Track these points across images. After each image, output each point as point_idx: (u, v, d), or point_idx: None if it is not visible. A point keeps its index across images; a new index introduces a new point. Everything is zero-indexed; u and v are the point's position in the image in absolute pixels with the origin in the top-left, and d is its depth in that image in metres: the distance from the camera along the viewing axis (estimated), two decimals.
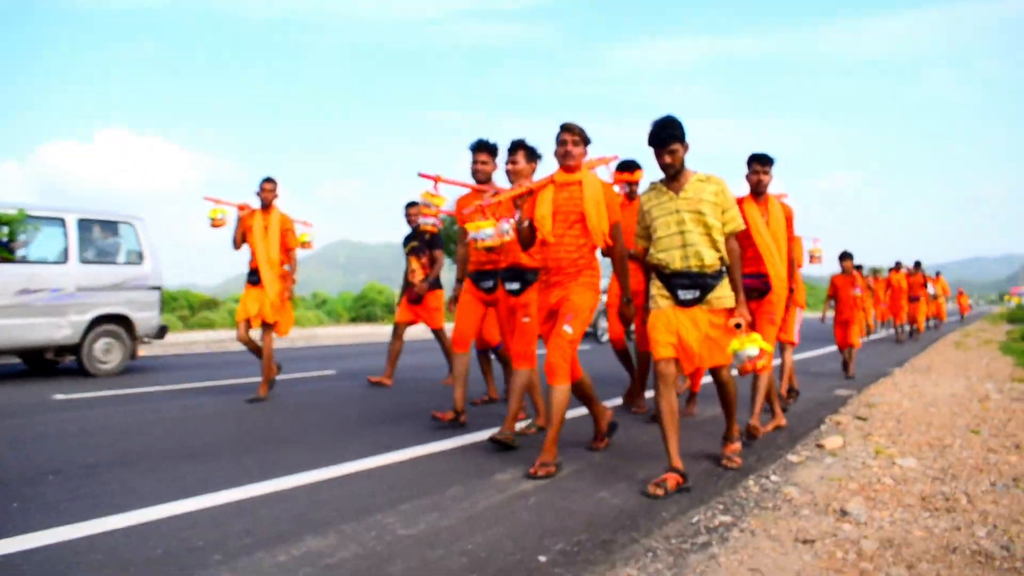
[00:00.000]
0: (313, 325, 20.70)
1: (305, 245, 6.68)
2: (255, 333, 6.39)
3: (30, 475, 3.58)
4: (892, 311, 16.08)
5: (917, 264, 16.91)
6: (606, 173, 5.30)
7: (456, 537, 2.70)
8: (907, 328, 17.02)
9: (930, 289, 17.51)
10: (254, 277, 6.20)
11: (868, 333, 14.86)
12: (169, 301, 25.52)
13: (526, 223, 4.04)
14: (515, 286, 4.69)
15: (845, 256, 9.27)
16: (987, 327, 23.21)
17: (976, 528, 2.81)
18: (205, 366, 9.52)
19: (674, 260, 3.65)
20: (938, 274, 18.22)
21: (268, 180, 6.28)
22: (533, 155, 4.66)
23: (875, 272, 17.29)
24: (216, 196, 5.76)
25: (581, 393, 4.20)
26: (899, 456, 4.08)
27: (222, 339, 14.45)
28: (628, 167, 5.44)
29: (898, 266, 16.45)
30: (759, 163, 4.86)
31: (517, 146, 4.65)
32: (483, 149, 5.08)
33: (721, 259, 3.69)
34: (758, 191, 4.90)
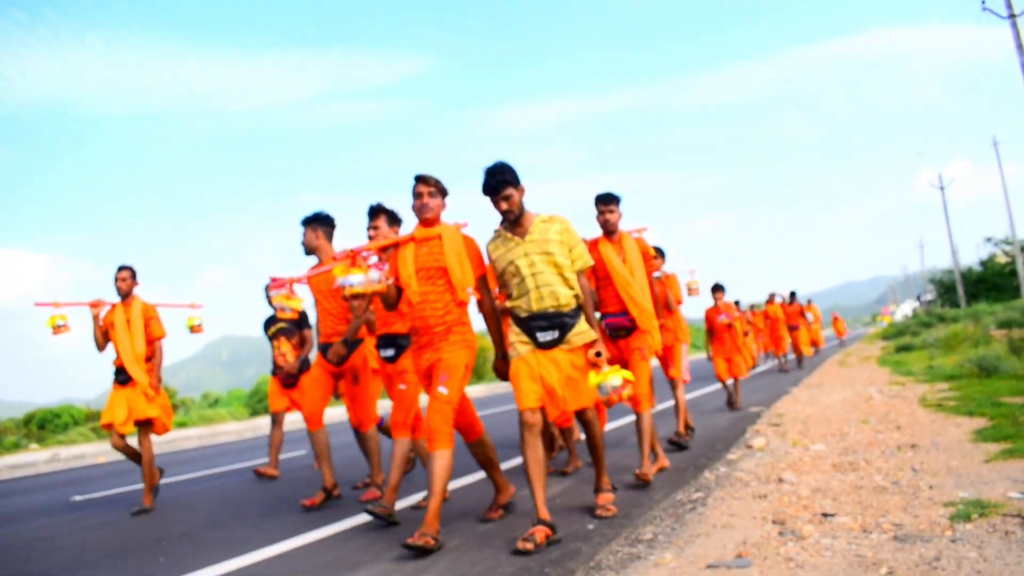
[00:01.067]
0: (218, 422, 20.30)
1: (195, 329, 6.30)
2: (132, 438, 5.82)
3: None
4: (773, 342, 16.43)
5: (792, 294, 17.33)
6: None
7: None
8: (788, 358, 17.43)
9: (808, 316, 17.85)
10: (121, 376, 5.72)
11: (752, 366, 15.54)
12: (52, 419, 24.67)
13: (390, 280, 3.89)
14: (389, 353, 4.57)
15: (716, 288, 9.20)
16: (864, 346, 25.76)
17: (874, 476, 3.93)
18: (81, 480, 8.69)
19: (530, 303, 3.65)
20: (809, 302, 18.67)
21: (123, 268, 5.85)
22: (394, 219, 4.64)
23: (752, 307, 17.64)
24: (53, 299, 5.57)
25: (482, 457, 4.01)
26: (811, 444, 5.23)
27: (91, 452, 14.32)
28: (604, 200, 4.96)
29: (771, 298, 16.86)
30: (603, 203, 4.84)
31: (377, 211, 4.63)
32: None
33: (576, 297, 3.71)
34: (608, 230, 4.87)
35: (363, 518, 4.31)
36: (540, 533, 3.32)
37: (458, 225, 4.47)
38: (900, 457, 4.39)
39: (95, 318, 5.76)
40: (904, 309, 66.18)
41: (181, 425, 19.42)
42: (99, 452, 13.63)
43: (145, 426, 5.71)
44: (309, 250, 5.05)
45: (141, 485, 6.47)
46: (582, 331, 3.67)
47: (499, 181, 3.61)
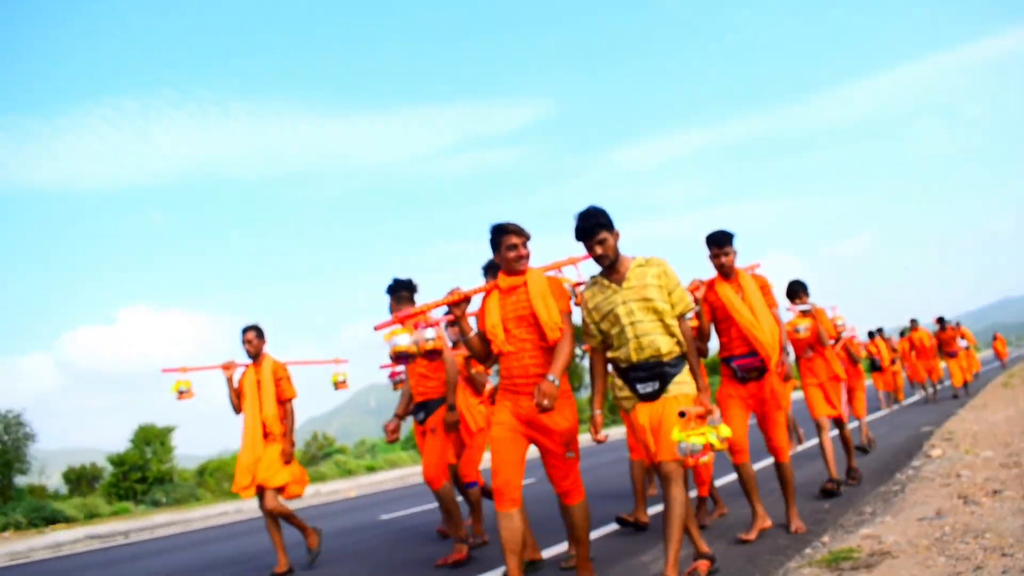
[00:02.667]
0: (392, 467, 22.43)
1: (340, 385, 6.29)
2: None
3: None
4: (919, 371, 15.58)
5: (940, 320, 16.32)
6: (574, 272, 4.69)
7: None
8: (938, 388, 16.27)
9: (962, 343, 16.28)
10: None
11: (899, 400, 15.66)
12: (221, 467, 27.72)
13: (472, 333, 3.90)
14: (420, 416, 5.19)
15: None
16: None
17: None
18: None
19: (630, 354, 3.61)
20: (958, 325, 16.95)
21: (249, 329, 5.74)
22: (412, 291, 5.19)
23: (903, 333, 16.58)
24: (180, 365, 5.66)
25: (510, 533, 3.62)
26: (980, 451, 6.55)
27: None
28: (717, 242, 4.74)
29: (914, 324, 16.10)
30: (716, 245, 4.70)
31: (397, 287, 5.20)
32: (398, 289, 5.21)
33: (679, 344, 3.64)
34: (725, 273, 4.76)
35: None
36: (703, 566, 3.75)
37: (574, 259, 4.55)
38: None
39: (229, 380, 5.72)
40: None
41: (371, 469, 21.90)
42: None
43: (275, 492, 5.53)
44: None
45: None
46: (683, 381, 3.62)
47: (593, 224, 3.58)
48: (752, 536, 4.54)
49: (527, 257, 3.84)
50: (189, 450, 41.66)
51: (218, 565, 6.87)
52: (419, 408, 5.18)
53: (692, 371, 3.68)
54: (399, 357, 4.04)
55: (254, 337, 5.71)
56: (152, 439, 41.46)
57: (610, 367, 3.85)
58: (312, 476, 23.82)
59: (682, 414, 3.40)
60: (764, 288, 4.85)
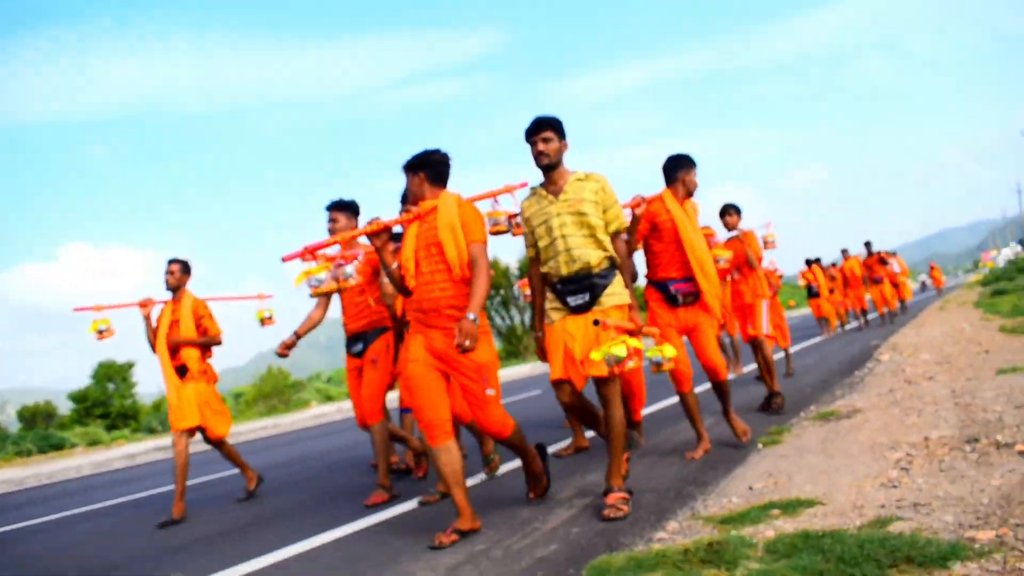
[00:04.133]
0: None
1: (266, 321, 6.07)
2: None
3: None
4: (851, 300, 16.01)
5: (867, 244, 16.30)
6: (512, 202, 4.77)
7: None
8: (869, 316, 16.91)
9: (894, 266, 16.53)
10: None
11: (842, 325, 16.43)
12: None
13: (394, 266, 3.77)
14: (357, 348, 4.95)
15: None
16: (963, 294, 27.95)
17: (960, 364, 7.09)
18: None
19: (560, 266, 3.64)
20: (893, 254, 16.96)
21: (172, 262, 5.62)
22: (354, 211, 4.92)
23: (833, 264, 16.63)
24: (94, 303, 5.57)
25: (448, 465, 3.62)
26: (920, 355, 8.36)
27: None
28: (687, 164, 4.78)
29: (844, 253, 16.19)
30: (686, 167, 4.72)
31: (333, 206, 4.90)
32: (336, 208, 4.96)
33: (610, 258, 3.67)
34: (689, 193, 4.76)
35: (379, 516, 4.39)
36: (619, 498, 3.56)
37: (511, 188, 4.65)
38: (978, 356, 7.52)
39: (147, 319, 5.59)
40: (1007, 254, 66.31)
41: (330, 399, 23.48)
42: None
43: (189, 433, 5.51)
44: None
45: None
46: (615, 292, 3.65)
47: (542, 121, 3.62)
48: (698, 455, 4.60)
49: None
50: (144, 388, 42.23)
51: (291, 462, 8.37)
52: (354, 340, 5.00)
53: (625, 285, 3.74)
54: (320, 296, 3.92)
55: (178, 269, 5.62)
56: (114, 375, 42.16)
57: None
58: (296, 404, 25.30)
59: (596, 322, 3.50)
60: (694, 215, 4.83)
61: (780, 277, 8.92)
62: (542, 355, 3.89)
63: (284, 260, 4.09)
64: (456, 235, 3.63)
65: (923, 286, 42.60)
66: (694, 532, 3.00)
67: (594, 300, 3.62)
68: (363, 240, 4.89)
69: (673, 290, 4.66)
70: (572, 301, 3.65)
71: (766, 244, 7.43)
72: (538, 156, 3.66)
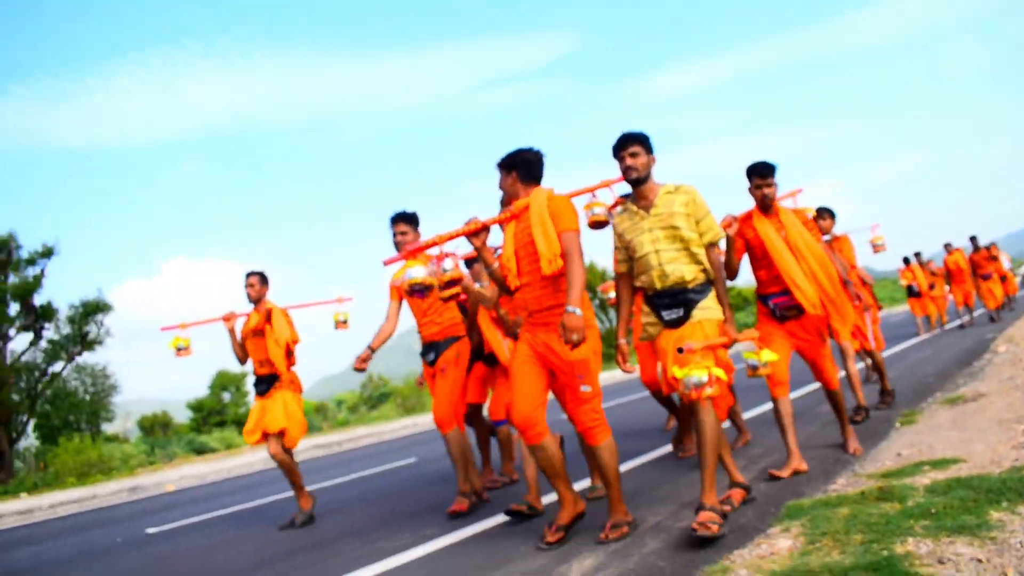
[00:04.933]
0: None
1: (341, 325, 6.08)
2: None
3: None
4: (958, 296, 15.38)
5: (973, 239, 15.69)
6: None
7: None
8: (975, 313, 16.30)
9: (1005, 263, 16.12)
10: (260, 387, 5.73)
11: (943, 324, 15.66)
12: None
13: (495, 265, 3.91)
14: (430, 357, 5.09)
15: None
16: None
17: None
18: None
19: (654, 281, 3.68)
20: (993, 245, 16.22)
21: (252, 274, 5.78)
22: (417, 223, 5.05)
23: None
24: (181, 321, 5.73)
25: (546, 462, 3.72)
26: None
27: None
28: (759, 172, 4.59)
29: (948, 247, 15.52)
30: (758, 176, 4.56)
31: (399, 218, 5.03)
32: (400, 220, 5.06)
33: (705, 271, 3.69)
34: (765, 205, 4.60)
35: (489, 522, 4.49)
36: (737, 495, 3.83)
37: (606, 183, 4.63)
38: None
39: (231, 333, 5.76)
40: None
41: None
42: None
43: (278, 437, 5.59)
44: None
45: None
46: (709, 307, 3.67)
47: (627, 137, 3.66)
48: (785, 474, 4.39)
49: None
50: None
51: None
52: (428, 348, 5.13)
53: (719, 299, 3.74)
54: (415, 291, 3.83)
55: (257, 282, 5.74)
56: (228, 384, 44.87)
57: None
58: (412, 409, 26.62)
59: (680, 350, 3.47)
60: (807, 223, 4.75)
61: (870, 285, 8.49)
62: (622, 363, 3.84)
63: (386, 264, 4.18)
64: (546, 227, 3.64)
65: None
66: (860, 484, 3.85)
67: (688, 314, 3.65)
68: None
69: (772, 304, 4.66)
70: (666, 315, 3.70)
71: (875, 248, 7.28)
72: (626, 171, 3.70)
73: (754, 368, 4.08)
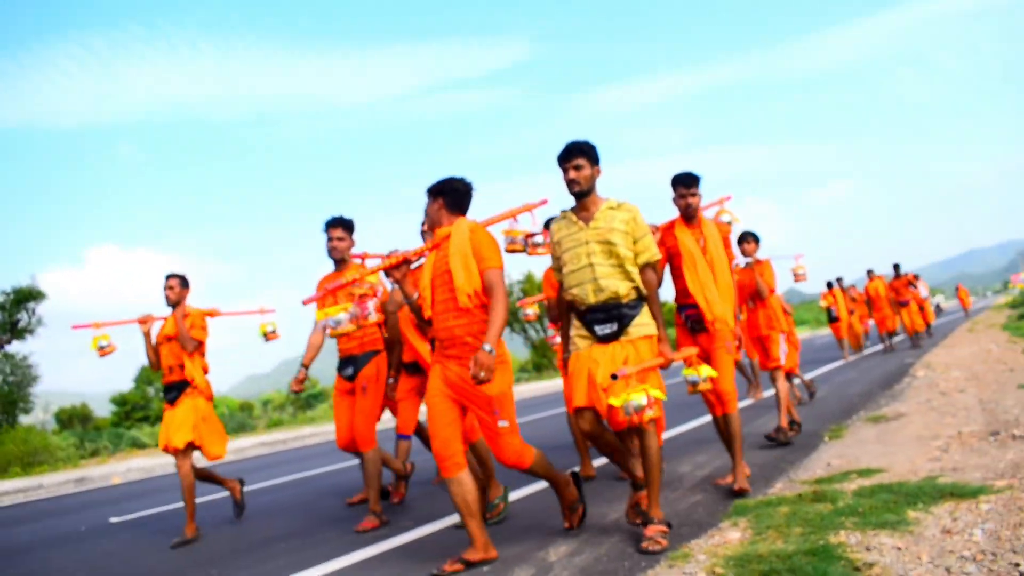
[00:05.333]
0: None
1: (269, 336, 5.89)
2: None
3: None
4: (877, 322, 16.07)
5: (896, 267, 16.39)
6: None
7: None
8: (894, 339, 16.94)
9: (922, 291, 16.89)
10: (169, 394, 5.51)
11: (859, 348, 16.36)
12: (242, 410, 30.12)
13: (415, 296, 3.92)
14: (348, 372, 5.00)
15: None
16: (992, 315, 29.01)
17: (987, 380, 8.39)
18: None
19: (587, 295, 3.65)
20: (917, 276, 16.94)
21: (171, 276, 5.56)
22: (352, 228, 5.03)
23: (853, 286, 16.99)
24: (96, 321, 5.61)
25: (460, 496, 3.67)
26: (951, 372, 9.65)
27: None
28: (684, 182, 4.63)
29: (870, 273, 16.27)
30: (683, 185, 4.58)
31: (334, 223, 5.00)
32: (337, 225, 5.03)
33: (637, 288, 3.69)
34: (688, 215, 4.63)
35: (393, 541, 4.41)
36: (643, 498, 3.83)
37: (528, 207, 4.36)
38: (1003, 374, 8.81)
39: (146, 336, 5.60)
40: None
41: None
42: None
43: (187, 450, 5.37)
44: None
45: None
46: (643, 323, 3.68)
47: (574, 147, 3.64)
48: (731, 481, 4.61)
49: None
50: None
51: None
52: (345, 363, 5.03)
53: (654, 316, 3.75)
54: (339, 336, 3.91)
55: (177, 284, 5.55)
56: (154, 378, 43.94)
57: None
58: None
59: (614, 376, 3.45)
60: (726, 240, 4.78)
61: (789, 314, 7.94)
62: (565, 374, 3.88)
63: (304, 304, 4.26)
64: (467, 261, 3.64)
65: (938, 309, 41.63)
66: (796, 489, 4.35)
67: (622, 330, 3.65)
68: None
69: (684, 316, 4.70)
70: (600, 330, 3.68)
71: (796, 277, 7.44)
72: (570, 184, 3.69)
73: (694, 384, 4.04)
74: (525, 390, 21.99)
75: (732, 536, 3.50)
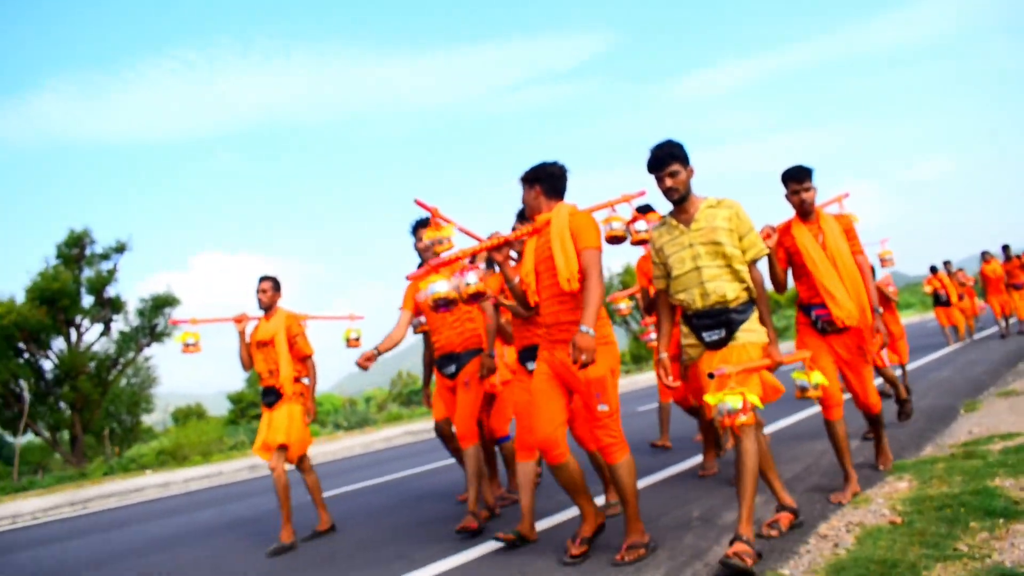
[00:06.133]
0: None
1: (352, 343, 6.04)
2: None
3: None
4: (994, 306, 15.45)
5: (1005, 248, 15.69)
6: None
7: None
8: (1011, 321, 16.00)
9: None
10: (268, 397, 5.55)
11: (972, 334, 15.75)
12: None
13: (516, 280, 3.97)
14: (451, 370, 4.98)
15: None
16: None
17: None
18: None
19: (694, 300, 3.59)
20: (1020, 255, 15.94)
21: (264, 279, 5.61)
22: (279, 285, 5.01)
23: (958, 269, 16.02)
24: (193, 316, 5.63)
25: (568, 481, 3.84)
26: None
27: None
28: (795, 177, 4.59)
29: (985, 255, 15.66)
30: (794, 181, 4.41)
31: (421, 223, 5.02)
32: (426, 225, 5.04)
33: (747, 290, 3.59)
34: (803, 211, 4.46)
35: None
36: (784, 519, 3.78)
37: (627, 197, 4.68)
38: None
39: (241, 335, 5.64)
40: None
41: None
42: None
43: (281, 451, 5.42)
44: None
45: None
46: (752, 329, 3.58)
47: (665, 155, 3.55)
48: (846, 499, 4.22)
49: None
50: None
51: None
52: (447, 360, 5.08)
53: (762, 319, 3.63)
54: (439, 305, 3.87)
55: (269, 287, 5.60)
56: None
57: None
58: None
59: (711, 376, 3.36)
60: (849, 232, 4.54)
61: (895, 292, 8.35)
62: (664, 377, 3.78)
63: (409, 279, 4.32)
64: (566, 245, 3.68)
65: None
66: (946, 451, 5.11)
67: (730, 335, 3.56)
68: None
69: (814, 316, 4.49)
70: (707, 336, 3.60)
71: (883, 262, 7.29)
72: (668, 192, 3.62)
73: (803, 390, 3.88)
74: (622, 383, 22.17)
75: (900, 486, 4.31)
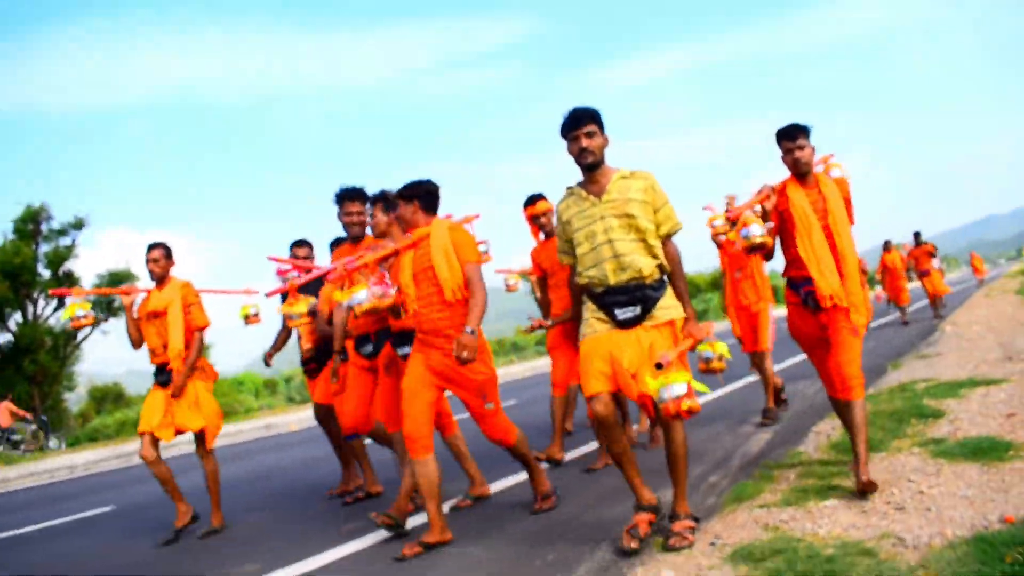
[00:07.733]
0: None
1: (251, 319, 5.70)
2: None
3: None
4: (892, 293, 15.92)
5: (916, 235, 16.31)
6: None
7: None
8: (909, 309, 16.58)
9: (935, 263, 16.26)
10: (161, 376, 5.25)
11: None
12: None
13: (394, 289, 4.08)
14: (407, 350, 4.47)
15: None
16: (1006, 282, 31.24)
17: (1005, 329, 11.10)
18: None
19: (607, 275, 3.46)
20: (928, 242, 16.45)
21: (154, 247, 5.27)
22: (391, 206, 4.66)
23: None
24: (76, 287, 4.95)
25: (517, 452, 4.22)
26: (973, 326, 12.35)
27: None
28: (530, 201, 5.22)
29: (886, 245, 16.09)
30: (787, 138, 4.00)
31: (352, 196, 4.95)
32: (355, 198, 4.93)
33: (660, 267, 3.52)
34: (799, 171, 4.02)
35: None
36: (643, 522, 3.49)
37: (467, 219, 5.01)
38: (1017, 326, 11.49)
39: (127, 309, 5.35)
40: None
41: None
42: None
43: (199, 436, 5.23)
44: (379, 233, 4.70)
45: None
46: (668, 306, 3.50)
47: (583, 113, 3.47)
48: (866, 478, 3.72)
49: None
50: (221, 368, 46.12)
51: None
52: (364, 340, 4.95)
53: (679, 295, 3.55)
54: (364, 314, 4.06)
55: (161, 255, 5.28)
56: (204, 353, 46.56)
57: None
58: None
59: (659, 366, 3.24)
60: (847, 200, 4.13)
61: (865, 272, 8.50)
62: (552, 346, 4.43)
63: (268, 296, 4.94)
64: (450, 257, 3.95)
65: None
66: (882, 390, 7.07)
67: (645, 314, 3.47)
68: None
69: (804, 292, 4.06)
70: (621, 314, 3.47)
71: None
72: (580, 154, 3.49)
73: (707, 361, 3.72)
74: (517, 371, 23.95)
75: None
